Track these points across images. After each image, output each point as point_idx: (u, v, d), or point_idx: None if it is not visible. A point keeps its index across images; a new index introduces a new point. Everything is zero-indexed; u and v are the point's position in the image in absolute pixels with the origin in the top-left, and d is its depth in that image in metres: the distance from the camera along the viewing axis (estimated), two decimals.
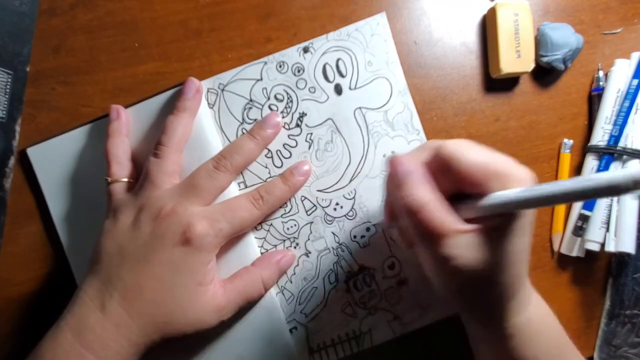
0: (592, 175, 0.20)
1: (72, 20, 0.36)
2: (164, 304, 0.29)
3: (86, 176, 0.35)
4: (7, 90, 0.34)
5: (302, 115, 0.35)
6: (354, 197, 0.36)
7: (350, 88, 0.35)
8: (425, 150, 0.26)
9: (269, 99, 0.35)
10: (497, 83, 0.37)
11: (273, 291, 0.35)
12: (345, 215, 0.36)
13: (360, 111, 0.35)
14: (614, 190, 0.19)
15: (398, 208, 0.26)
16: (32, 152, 0.35)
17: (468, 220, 0.24)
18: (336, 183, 0.35)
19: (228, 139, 0.35)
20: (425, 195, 0.24)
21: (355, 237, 0.36)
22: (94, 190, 0.34)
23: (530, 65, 0.36)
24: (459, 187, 0.25)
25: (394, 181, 0.25)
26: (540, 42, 0.36)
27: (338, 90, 0.35)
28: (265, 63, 0.35)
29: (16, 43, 0.35)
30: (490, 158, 0.24)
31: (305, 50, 0.35)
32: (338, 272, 0.36)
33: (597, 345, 0.39)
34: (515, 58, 0.35)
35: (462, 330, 0.33)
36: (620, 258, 0.38)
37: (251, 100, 0.35)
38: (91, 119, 0.35)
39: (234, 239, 0.33)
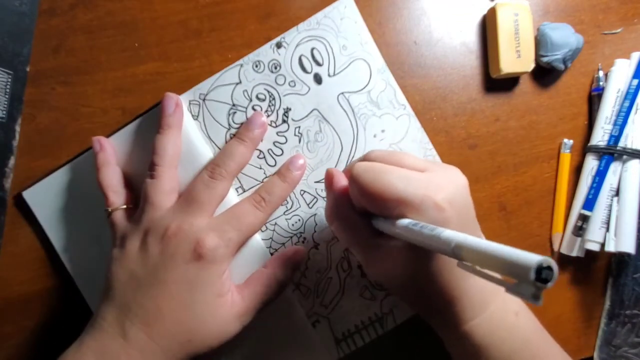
0: (437, 231, 0.21)
1: (72, 20, 0.36)
2: (185, 323, 0.29)
3: (85, 209, 0.35)
4: (7, 90, 0.34)
5: (287, 110, 0.35)
6: None
7: (329, 75, 0.35)
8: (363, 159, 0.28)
9: (251, 100, 0.35)
10: (497, 83, 0.37)
11: (289, 289, 0.35)
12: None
13: (343, 96, 0.35)
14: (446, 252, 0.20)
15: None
16: (28, 195, 0.35)
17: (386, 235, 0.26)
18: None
19: (218, 147, 0.35)
20: (347, 214, 0.28)
21: None
22: (95, 221, 0.34)
23: (530, 65, 0.36)
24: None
25: (328, 193, 0.30)
26: (540, 42, 0.36)
27: (318, 79, 0.35)
28: (242, 65, 0.35)
29: (16, 43, 0.34)
30: (389, 186, 0.24)
31: (279, 45, 0.35)
32: (350, 259, 0.36)
33: (597, 345, 0.39)
34: (515, 58, 0.35)
35: None
36: (620, 258, 0.38)
37: (234, 104, 0.35)
38: (91, 119, 0.35)
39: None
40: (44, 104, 0.36)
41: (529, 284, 0.15)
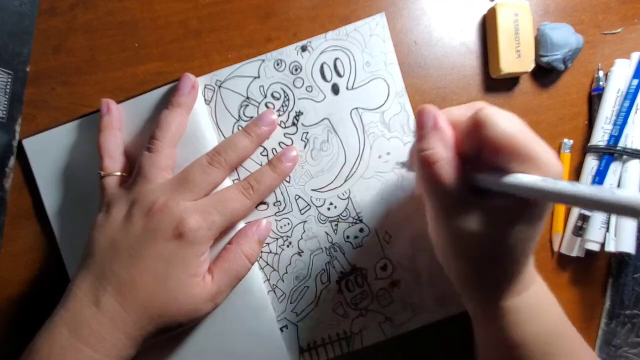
0: (615, 190, 0.19)
1: (72, 20, 0.36)
2: (158, 298, 0.29)
3: (81, 169, 0.35)
4: (7, 90, 0.34)
5: (299, 114, 0.35)
6: (348, 198, 0.36)
7: (347, 88, 0.35)
8: (466, 109, 0.26)
9: (265, 96, 0.35)
10: (497, 83, 0.37)
11: (264, 289, 0.35)
12: (339, 216, 0.36)
13: (357, 111, 0.35)
14: (632, 212, 0.18)
15: (416, 158, 0.27)
16: (28, 143, 0.35)
17: (479, 192, 0.25)
18: (331, 183, 0.36)
19: (224, 136, 0.35)
20: (442, 152, 0.25)
21: (348, 237, 0.36)
22: (88, 183, 0.34)
23: (530, 65, 0.36)
24: (483, 154, 0.24)
25: (418, 131, 0.26)
26: (540, 42, 0.36)
27: (335, 89, 0.35)
28: (263, 61, 0.35)
29: (16, 43, 0.35)
30: (522, 135, 0.23)
31: (304, 49, 0.35)
32: (330, 272, 0.36)
33: (597, 345, 0.39)
34: (515, 58, 0.35)
35: (453, 332, 0.33)
36: (620, 258, 0.38)
37: (248, 97, 0.35)
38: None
39: (224, 233, 0.33)
40: (44, 104, 0.36)
41: None
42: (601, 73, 0.37)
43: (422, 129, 0.26)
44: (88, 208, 0.34)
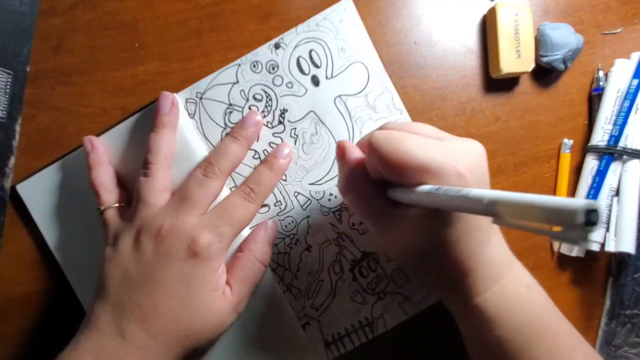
0: (470, 191, 0.19)
1: (72, 20, 0.36)
2: (182, 319, 0.29)
3: (78, 203, 0.35)
4: (7, 90, 0.34)
5: (284, 111, 0.35)
6: None
7: (327, 77, 0.35)
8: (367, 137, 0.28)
9: (248, 100, 0.35)
10: (497, 83, 0.37)
11: (280, 290, 0.35)
12: (340, 205, 0.36)
13: (340, 99, 0.35)
14: (491, 213, 0.18)
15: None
16: (22, 188, 0.35)
17: (401, 205, 0.26)
18: (327, 174, 0.36)
19: (213, 146, 0.35)
20: (362, 184, 0.28)
21: (353, 224, 0.36)
22: (88, 216, 0.34)
23: (530, 65, 0.36)
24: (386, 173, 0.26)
25: (340, 165, 0.30)
26: (540, 42, 0.36)
27: (315, 81, 0.35)
28: (239, 65, 0.35)
29: (16, 43, 0.34)
30: (410, 150, 0.24)
31: (277, 46, 0.35)
32: (342, 262, 0.36)
33: (597, 345, 0.39)
34: (515, 58, 0.35)
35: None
36: (620, 258, 0.38)
37: (230, 104, 0.35)
38: (91, 119, 0.35)
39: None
40: (44, 104, 0.36)
41: (577, 229, 0.15)
42: (601, 73, 0.37)
43: (340, 164, 0.30)
44: (92, 242, 0.34)
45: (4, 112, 0.34)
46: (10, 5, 0.34)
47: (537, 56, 0.36)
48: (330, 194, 0.36)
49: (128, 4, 0.36)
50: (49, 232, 0.35)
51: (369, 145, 0.25)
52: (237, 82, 0.35)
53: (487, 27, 0.37)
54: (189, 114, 0.35)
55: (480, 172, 0.25)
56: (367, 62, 0.35)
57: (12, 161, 0.35)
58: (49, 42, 0.35)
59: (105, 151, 0.34)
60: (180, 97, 0.35)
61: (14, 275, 0.36)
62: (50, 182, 0.35)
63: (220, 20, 0.36)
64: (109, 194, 0.33)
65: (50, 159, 0.35)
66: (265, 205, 0.35)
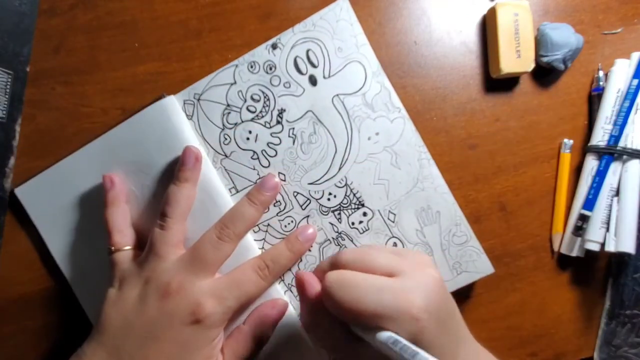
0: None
1: (72, 20, 0.36)
2: None
3: (77, 205, 0.35)
4: (7, 90, 0.34)
5: (281, 111, 0.35)
6: (345, 185, 0.36)
7: (324, 77, 0.35)
8: (327, 264, 0.28)
9: (245, 100, 0.35)
10: (497, 83, 0.37)
11: (281, 290, 0.35)
12: (340, 204, 0.36)
13: (338, 98, 0.35)
14: None
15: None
16: (21, 192, 0.35)
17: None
18: (326, 173, 0.36)
19: (212, 147, 0.35)
20: (323, 322, 0.27)
21: (353, 224, 0.36)
22: (87, 218, 0.35)
23: (530, 65, 0.36)
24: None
25: (301, 299, 0.28)
26: (540, 42, 0.36)
27: (313, 81, 0.35)
28: (237, 66, 0.35)
29: (16, 43, 0.35)
30: (365, 299, 0.24)
31: (274, 46, 0.35)
32: None
33: (597, 345, 0.39)
34: (515, 58, 0.35)
35: (473, 300, 0.33)
36: (620, 258, 0.38)
37: (228, 105, 0.35)
38: (91, 119, 0.36)
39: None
40: (44, 104, 0.36)
41: None
42: (601, 73, 0.37)
43: (299, 293, 0.28)
44: (92, 244, 0.34)
45: (4, 112, 0.34)
46: (10, 5, 0.34)
47: (537, 56, 0.36)
48: (330, 194, 0.36)
49: (128, 4, 0.36)
50: (49, 235, 0.35)
51: (322, 288, 0.25)
52: (235, 82, 0.35)
53: (487, 27, 0.37)
54: (187, 115, 0.35)
55: (436, 305, 0.25)
56: (364, 61, 0.35)
57: (12, 161, 0.35)
58: (49, 42, 0.35)
59: (123, 189, 0.34)
60: (178, 99, 0.35)
61: (14, 275, 0.36)
62: (49, 185, 0.35)
63: (220, 20, 0.36)
64: (122, 236, 0.33)
65: (50, 158, 0.35)
66: None
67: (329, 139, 0.35)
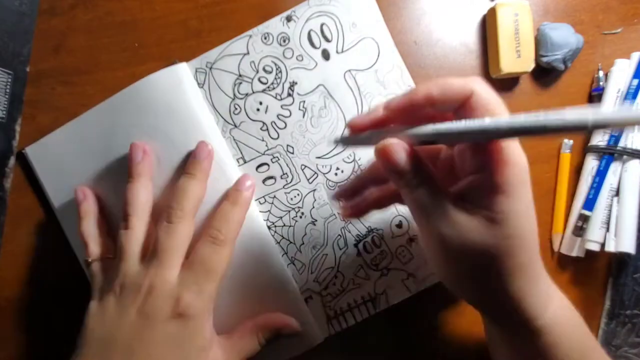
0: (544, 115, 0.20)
1: (72, 20, 0.36)
2: None
3: (87, 166, 0.35)
4: (7, 90, 0.34)
5: (293, 84, 0.35)
6: (353, 160, 0.36)
7: (337, 52, 0.35)
8: (399, 103, 0.25)
9: (257, 71, 0.35)
10: (497, 83, 0.37)
11: (283, 263, 0.35)
12: (347, 180, 0.36)
13: (350, 74, 0.35)
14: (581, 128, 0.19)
15: (392, 184, 0.27)
16: (31, 151, 0.35)
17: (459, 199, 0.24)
18: (334, 148, 0.36)
19: (222, 117, 0.35)
20: (420, 177, 0.24)
21: None
22: (95, 179, 0.34)
23: (530, 65, 0.36)
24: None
25: (386, 167, 0.25)
26: (540, 42, 0.36)
27: (325, 55, 0.35)
28: (250, 36, 0.35)
29: (16, 43, 0.35)
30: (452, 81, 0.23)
31: (289, 19, 0.35)
32: (346, 237, 0.36)
33: None
34: (515, 58, 0.35)
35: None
36: (620, 258, 0.38)
37: (240, 75, 0.35)
38: None
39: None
40: (44, 104, 0.36)
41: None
42: (601, 73, 0.37)
43: (386, 167, 0.26)
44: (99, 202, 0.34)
45: (4, 112, 0.34)
46: (10, 5, 0.34)
47: (537, 56, 0.36)
48: (337, 169, 0.36)
49: (128, 4, 0.36)
50: (55, 197, 0.35)
51: (420, 100, 0.23)
52: (248, 53, 0.35)
53: (487, 27, 0.37)
54: (198, 83, 0.35)
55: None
56: (377, 38, 0.35)
57: (12, 161, 0.35)
58: (49, 42, 0.36)
59: (95, 200, 0.34)
60: (190, 67, 0.35)
61: (14, 275, 0.36)
62: (59, 145, 0.35)
63: (220, 20, 0.36)
64: (96, 245, 0.33)
65: None
66: (271, 178, 0.35)
67: (339, 113, 0.36)
